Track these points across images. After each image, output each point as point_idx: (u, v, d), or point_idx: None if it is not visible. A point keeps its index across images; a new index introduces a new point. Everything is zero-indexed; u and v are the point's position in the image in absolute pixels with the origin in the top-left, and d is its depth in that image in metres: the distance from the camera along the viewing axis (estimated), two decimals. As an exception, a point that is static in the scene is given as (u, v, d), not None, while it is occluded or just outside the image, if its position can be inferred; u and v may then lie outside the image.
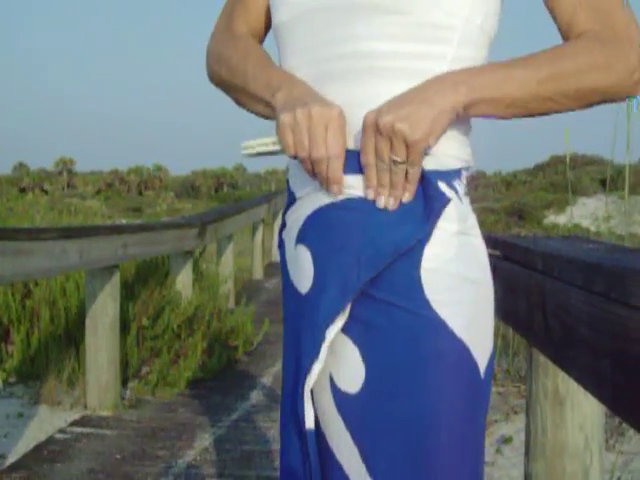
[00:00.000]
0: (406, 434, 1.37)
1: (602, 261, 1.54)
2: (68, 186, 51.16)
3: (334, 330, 1.40)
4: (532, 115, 1.38)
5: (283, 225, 1.58)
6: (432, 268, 1.38)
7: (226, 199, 36.79)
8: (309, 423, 1.42)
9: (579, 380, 1.75)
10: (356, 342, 1.40)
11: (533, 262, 1.98)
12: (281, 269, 1.60)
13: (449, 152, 1.44)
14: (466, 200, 1.46)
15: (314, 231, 1.44)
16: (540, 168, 43.53)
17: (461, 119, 1.40)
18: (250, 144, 1.46)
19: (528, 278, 2.06)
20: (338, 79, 1.43)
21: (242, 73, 1.53)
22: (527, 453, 2.30)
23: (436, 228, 1.39)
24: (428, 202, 1.38)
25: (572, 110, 1.40)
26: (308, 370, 1.41)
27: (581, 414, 2.16)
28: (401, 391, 1.37)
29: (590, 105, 1.40)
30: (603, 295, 1.46)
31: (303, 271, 1.47)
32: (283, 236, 1.58)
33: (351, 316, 1.40)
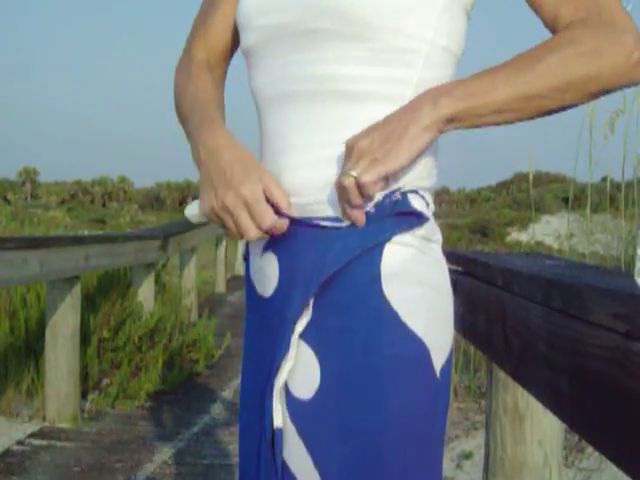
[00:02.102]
0: (360, 439, 1.36)
1: (561, 277, 1.54)
2: (31, 196, 50.85)
3: (301, 325, 1.40)
4: (530, 117, 1.36)
5: None
6: (393, 268, 1.38)
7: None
8: (277, 422, 1.41)
9: (538, 396, 1.76)
10: (314, 346, 1.40)
11: (493, 278, 1.99)
12: (245, 282, 1.60)
13: (424, 172, 1.45)
14: (432, 216, 1.47)
15: (281, 237, 1.45)
16: (504, 185, 43.85)
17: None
18: (192, 208, 1.46)
19: (488, 294, 2.06)
20: (302, 101, 1.43)
21: (188, 121, 1.54)
22: (486, 469, 2.30)
23: (401, 234, 1.39)
24: (401, 218, 1.39)
25: (574, 104, 1.36)
26: (278, 367, 1.40)
27: (540, 430, 2.17)
28: (356, 394, 1.37)
29: (592, 96, 1.36)
30: (562, 311, 1.47)
31: (268, 277, 1.48)
32: (250, 248, 1.58)
33: (310, 322, 1.40)
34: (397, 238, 1.39)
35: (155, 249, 8.38)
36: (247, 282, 1.59)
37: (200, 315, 9.24)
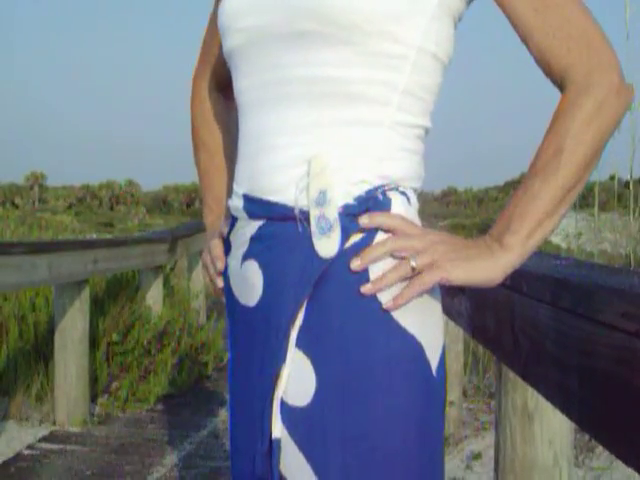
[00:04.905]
0: (360, 442, 1.35)
1: (569, 277, 1.54)
2: (39, 201, 50.92)
3: (295, 330, 1.39)
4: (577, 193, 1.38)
5: (228, 249, 1.57)
6: (380, 267, 1.37)
7: (198, 214, 36.65)
8: (276, 432, 1.41)
9: (547, 396, 1.76)
10: (306, 351, 1.39)
11: (502, 278, 1.98)
12: (226, 294, 1.59)
13: (410, 173, 1.45)
14: (415, 213, 1.47)
15: (260, 244, 1.44)
16: (511, 185, 43.75)
17: (419, 139, 1.46)
18: None
19: (497, 294, 2.06)
20: (286, 102, 1.42)
21: (202, 185, 1.88)
22: (496, 469, 2.30)
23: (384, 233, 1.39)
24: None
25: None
26: (276, 376, 1.40)
27: (550, 430, 2.16)
28: (354, 396, 1.35)
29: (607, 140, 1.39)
30: (570, 311, 1.47)
31: (250, 285, 1.46)
32: (228, 260, 1.57)
33: (302, 327, 1.40)
34: (380, 236, 1.39)
35: (163, 252, 8.39)
36: (228, 294, 1.58)
37: (209, 317, 9.25)
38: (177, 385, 6.73)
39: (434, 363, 1.41)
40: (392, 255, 1.36)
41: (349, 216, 1.37)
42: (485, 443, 5.44)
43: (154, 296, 8.18)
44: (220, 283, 1.60)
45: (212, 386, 7.15)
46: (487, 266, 1.34)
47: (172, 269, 10.51)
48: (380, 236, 1.38)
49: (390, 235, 1.37)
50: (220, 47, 1.66)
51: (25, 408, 6.01)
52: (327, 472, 1.36)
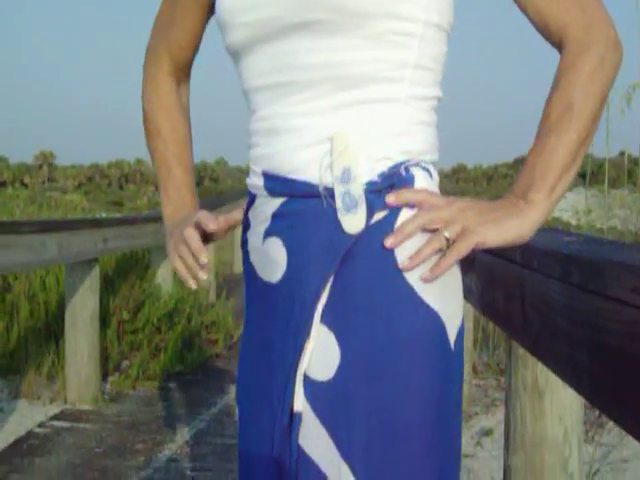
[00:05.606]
0: (383, 416, 1.36)
1: (580, 253, 1.54)
2: (48, 180, 50.98)
3: (321, 305, 1.40)
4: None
5: (247, 225, 1.58)
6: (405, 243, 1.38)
7: (207, 193, 36.71)
8: (298, 406, 1.41)
9: (557, 372, 1.76)
10: (332, 327, 1.39)
11: (512, 254, 1.98)
12: (245, 271, 1.59)
13: (427, 146, 1.47)
14: (436, 188, 1.48)
15: (283, 221, 1.44)
16: (521, 161, 43.61)
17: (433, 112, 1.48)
18: None
19: (507, 270, 2.06)
20: (300, 88, 1.42)
21: (159, 175, 1.78)
22: (507, 445, 2.30)
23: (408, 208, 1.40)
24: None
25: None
26: (301, 349, 1.40)
27: (560, 406, 2.16)
28: (378, 371, 1.37)
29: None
30: (581, 286, 1.46)
31: (273, 262, 1.47)
32: (248, 235, 1.57)
33: (327, 302, 1.40)
34: (406, 212, 1.40)
35: (173, 230, 8.37)
36: (248, 271, 1.58)
37: (218, 296, 9.27)
38: (188, 363, 6.75)
39: (452, 337, 1.43)
40: (423, 229, 1.38)
41: (374, 193, 1.38)
42: (495, 419, 5.45)
43: (164, 274, 8.19)
44: (204, 275, 1.57)
45: (222, 364, 7.17)
46: (517, 224, 1.37)
47: (182, 247, 10.51)
48: (405, 211, 1.39)
49: (417, 210, 1.39)
50: (182, 29, 1.72)
51: (36, 386, 6.03)
52: (349, 446, 1.37)
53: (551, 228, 2.57)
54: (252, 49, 1.48)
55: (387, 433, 1.37)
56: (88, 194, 38.57)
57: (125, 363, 6.55)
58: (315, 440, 1.40)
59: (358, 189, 1.38)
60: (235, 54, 1.54)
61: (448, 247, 1.37)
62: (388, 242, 1.37)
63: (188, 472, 4.49)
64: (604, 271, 1.35)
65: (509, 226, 1.37)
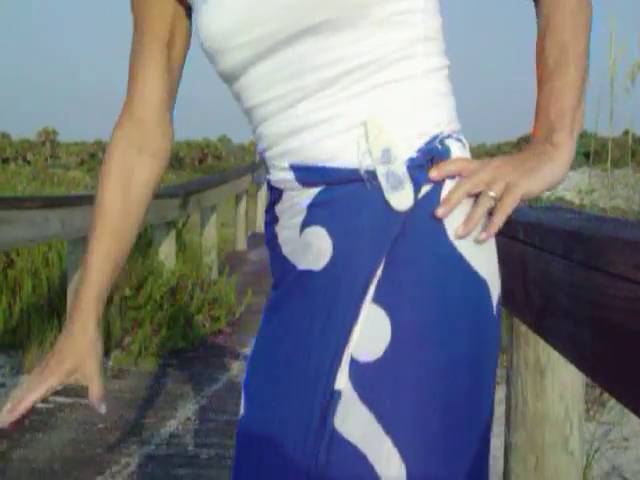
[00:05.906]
0: (430, 385, 1.37)
1: (582, 230, 1.54)
2: (51, 156, 50.95)
3: (373, 285, 1.40)
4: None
5: (273, 220, 1.56)
6: (452, 212, 1.40)
7: (210, 170, 36.65)
8: (339, 385, 1.40)
9: (559, 349, 1.76)
10: (383, 304, 1.39)
11: (514, 231, 1.98)
12: (275, 260, 1.57)
13: (452, 115, 1.49)
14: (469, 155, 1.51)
15: (323, 209, 1.44)
16: (524, 140, 43.57)
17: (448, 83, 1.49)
18: None
19: (509, 247, 2.06)
20: (316, 88, 1.41)
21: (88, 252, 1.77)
22: (508, 423, 2.31)
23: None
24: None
25: None
26: (350, 332, 1.40)
27: (561, 384, 2.17)
28: (431, 343, 1.38)
29: None
30: (583, 263, 1.47)
31: (316, 250, 1.45)
32: (277, 230, 1.56)
33: (379, 281, 1.40)
34: (449, 182, 1.41)
35: (175, 207, 8.39)
36: (278, 263, 1.56)
37: (221, 273, 9.28)
38: (190, 339, 6.77)
39: (495, 302, 1.44)
40: (469, 195, 1.40)
41: (416, 168, 1.40)
42: (497, 397, 5.43)
43: (166, 251, 8.20)
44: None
45: (225, 340, 7.18)
46: (552, 168, 1.43)
47: (184, 224, 10.53)
48: (448, 182, 1.41)
49: (458, 179, 1.41)
50: (167, 74, 1.76)
51: (39, 362, 6.03)
52: (394, 419, 1.37)
53: (554, 206, 2.57)
54: (249, 68, 1.46)
55: (434, 403, 1.37)
56: (91, 171, 38.49)
57: (127, 339, 6.56)
58: (353, 420, 1.38)
59: (401, 167, 1.39)
60: (230, 77, 1.51)
61: (495, 207, 1.40)
62: (439, 212, 1.38)
63: (190, 448, 4.51)
64: (606, 248, 1.35)
65: (545, 172, 1.42)
